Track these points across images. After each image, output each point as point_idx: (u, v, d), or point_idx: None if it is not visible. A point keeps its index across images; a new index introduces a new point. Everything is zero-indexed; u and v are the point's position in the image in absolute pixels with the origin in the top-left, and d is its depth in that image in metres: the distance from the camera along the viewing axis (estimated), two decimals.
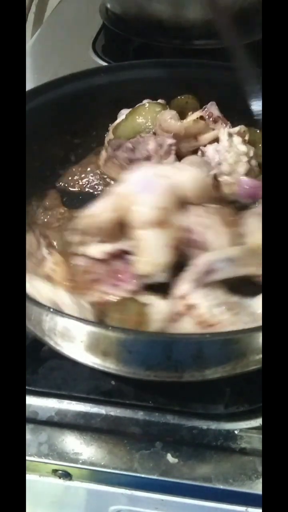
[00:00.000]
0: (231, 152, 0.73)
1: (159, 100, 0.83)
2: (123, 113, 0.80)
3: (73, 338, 0.51)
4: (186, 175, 0.59)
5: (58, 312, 0.50)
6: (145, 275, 0.56)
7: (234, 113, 0.81)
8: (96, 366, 0.53)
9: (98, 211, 0.60)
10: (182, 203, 0.57)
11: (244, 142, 0.75)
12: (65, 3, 1.40)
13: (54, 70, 0.91)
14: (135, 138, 0.73)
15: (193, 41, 1.03)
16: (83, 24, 1.24)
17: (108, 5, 1.13)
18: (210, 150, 0.75)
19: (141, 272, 0.56)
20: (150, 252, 0.55)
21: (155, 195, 0.56)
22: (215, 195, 0.63)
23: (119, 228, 0.59)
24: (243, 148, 0.73)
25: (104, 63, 1.07)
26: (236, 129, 0.77)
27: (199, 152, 0.76)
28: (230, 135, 0.75)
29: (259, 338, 0.47)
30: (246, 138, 0.76)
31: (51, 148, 0.79)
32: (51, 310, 0.49)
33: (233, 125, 0.81)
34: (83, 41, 1.17)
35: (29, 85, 0.76)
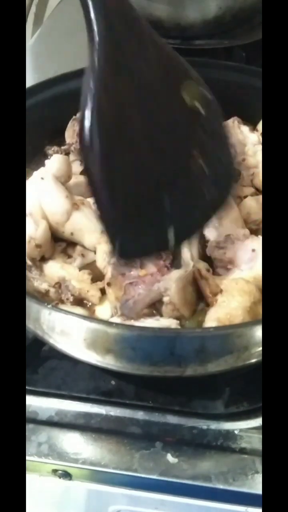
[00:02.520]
0: (247, 144, 0.72)
1: None
2: None
3: (75, 336, 0.51)
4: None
5: (60, 310, 0.50)
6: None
7: (231, 111, 0.81)
8: (98, 363, 0.53)
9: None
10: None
11: (252, 130, 0.75)
12: (65, 3, 1.39)
13: (54, 70, 0.91)
14: None
15: (193, 41, 1.03)
16: (83, 24, 1.23)
17: None
18: None
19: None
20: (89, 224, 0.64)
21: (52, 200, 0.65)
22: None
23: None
24: (254, 137, 0.73)
25: None
26: (230, 120, 0.77)
27: None
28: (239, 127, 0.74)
29: (259, 331, 0.48)
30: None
31: (47, 146, 0.79)
32: (52, 308, 0.49)
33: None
34: (83, 41, 1.16)
35: (29, 85, 0.77)
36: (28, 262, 0.61)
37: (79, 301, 0.61)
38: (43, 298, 0.59)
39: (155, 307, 0.58)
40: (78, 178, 0.72)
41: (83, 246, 0.66)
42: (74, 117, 0.77)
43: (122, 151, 0.48)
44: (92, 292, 0.60)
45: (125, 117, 0.48)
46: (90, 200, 0.67)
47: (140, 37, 0.49)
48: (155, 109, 0.50)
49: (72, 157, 0.75)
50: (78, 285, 0.60)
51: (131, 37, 0.48)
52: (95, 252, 0.64)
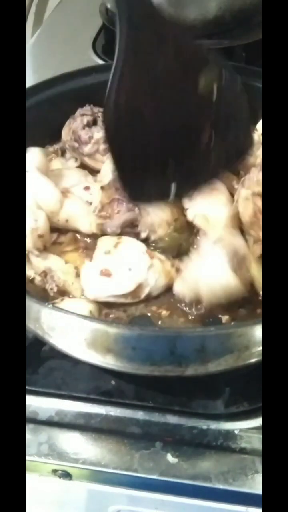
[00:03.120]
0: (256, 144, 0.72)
1: None
2: None
3: (75, 336, 0.51)
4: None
5: (61, 309, 0.50)
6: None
7: None
8: (98, 363, 0.53)
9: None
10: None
11: (252, 130, 0.74)
12: (65, 3, 1.40)
13: (54, 70, 0.91)
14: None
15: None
16: (83, 24, 1.24)
17: (108, 5, 1.13)
18: None
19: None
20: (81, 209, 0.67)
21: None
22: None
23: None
24: (254, 137, 0.72)
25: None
26: None
27: None
28: None
29: (259, 331, 0.48)
30: None
31: (48, 145, 0.79)
32: (53, 307, 0.50)
33: None
34: (83, 41, 1.17)
35: (29, 85, 0.77)
36: (35, 251, 0.63)
37: (62, 292, 0.62)
38: (27, 285, 0.61)
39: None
40: (71, 171, 0.73)
41: (78, 231, 0.67)
42: (72, 116, 0.77)
43: (135, 124, 0.58)
44: (76, 285, 0.62)
45: (141, 98, 0.57)
46: (76, 189, 0.70)
47: (160, 33, 0.57)
48: (171, 94, 0.58)
49: (67, 154, 0.77)
50: (63, 276, 0.62)
51: (152, 35, 0.57)
52: (89, 237, 0.67)
